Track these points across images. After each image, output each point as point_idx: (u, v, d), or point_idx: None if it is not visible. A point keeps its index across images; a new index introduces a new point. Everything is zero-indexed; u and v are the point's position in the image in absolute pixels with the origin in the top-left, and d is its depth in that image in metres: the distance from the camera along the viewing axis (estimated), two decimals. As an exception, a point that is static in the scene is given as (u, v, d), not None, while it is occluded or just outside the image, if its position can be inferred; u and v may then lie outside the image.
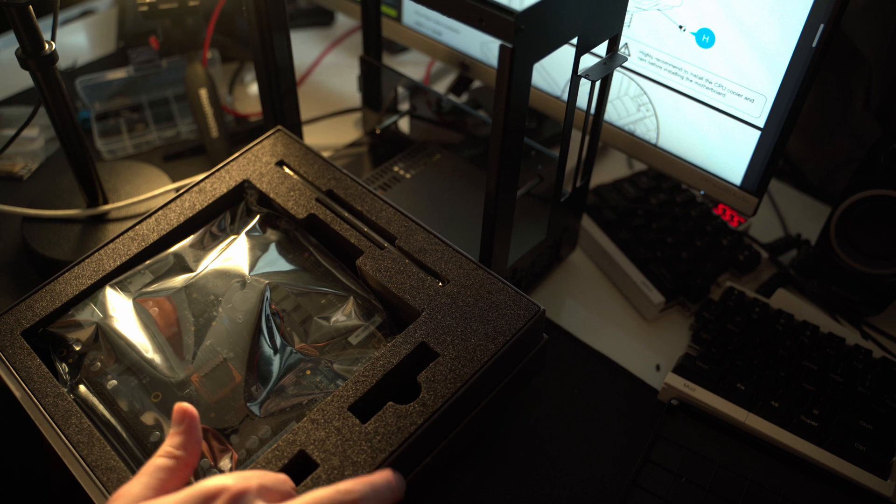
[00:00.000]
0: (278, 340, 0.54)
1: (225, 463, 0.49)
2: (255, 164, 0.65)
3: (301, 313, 0.56)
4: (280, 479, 0.41)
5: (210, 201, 0.63)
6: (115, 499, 0.38)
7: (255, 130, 0.89)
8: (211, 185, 0.64)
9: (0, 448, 0.58)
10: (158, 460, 0.40)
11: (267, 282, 0.57)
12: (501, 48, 0.47)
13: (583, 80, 0.56)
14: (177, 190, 0.78)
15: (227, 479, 0.38)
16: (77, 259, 0.59)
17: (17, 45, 0.61)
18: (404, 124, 0.85)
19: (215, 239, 0.61)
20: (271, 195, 0.63)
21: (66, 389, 0.51)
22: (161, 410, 0.51)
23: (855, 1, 0.67)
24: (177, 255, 0.60)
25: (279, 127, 0.68)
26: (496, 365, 0.53)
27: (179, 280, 0.58)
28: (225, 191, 0.63)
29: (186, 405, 0.43)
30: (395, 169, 0.76)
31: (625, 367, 0.68)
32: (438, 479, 0.57)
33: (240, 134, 0.88)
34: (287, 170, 0.65)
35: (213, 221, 0.63)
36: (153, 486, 0.39)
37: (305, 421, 0.49)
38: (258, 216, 0.63)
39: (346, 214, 0.62)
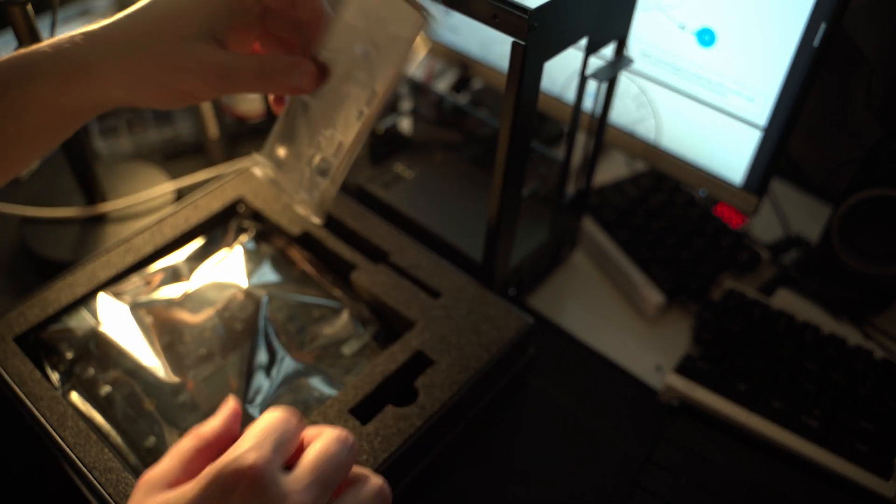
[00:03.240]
0: (275, 349, 0.54)
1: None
2: (250, 182, 0.66)
3: (296, 324, 0.57)
4: (286, 420, 0.37)
5: (205, 217, 0.63)
6: (138, 487, 0.37)
7: (255, 131, 0.89)
8: (206, 202, 0.64)
9: (4, 447, 0.58)
10: (184, 441, 0.38)
11: (265, 291, 0.57)
12: (514, 45, 0.47)
13: (588, 82, 0.56)
14: (177, 190, 0.78)
15: (245, 457, 0.34)
16: (72, 265, 0.59)
17: (16, 44, 0.61)
18: (405, 124, 0.85)
19: (209, 253, 0.62)
20: (266, 213, 0.64)
21: (59, 393, 0.51)
22: (156, 416, 0.51)
23: (856, 0, 0.67)
24: (171, 266, 0.60)
25: None
26: (489, 372, 0.54)
27: (175, 289, 0.58)
28: (219, 207, 0.64)
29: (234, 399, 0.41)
30: (396, 168, 0.76)
31: (625, 367, 0.67)
32: (438, 480, 0.57)
33: (240, 134, 0.88)
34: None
35: (207, 236, 0.63)
36: (174, 469, 0.37)
37: (307, 423, 0.49)
38: (253, 231, 0.63)
39: (340, 231, 0.63)
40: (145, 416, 0.51)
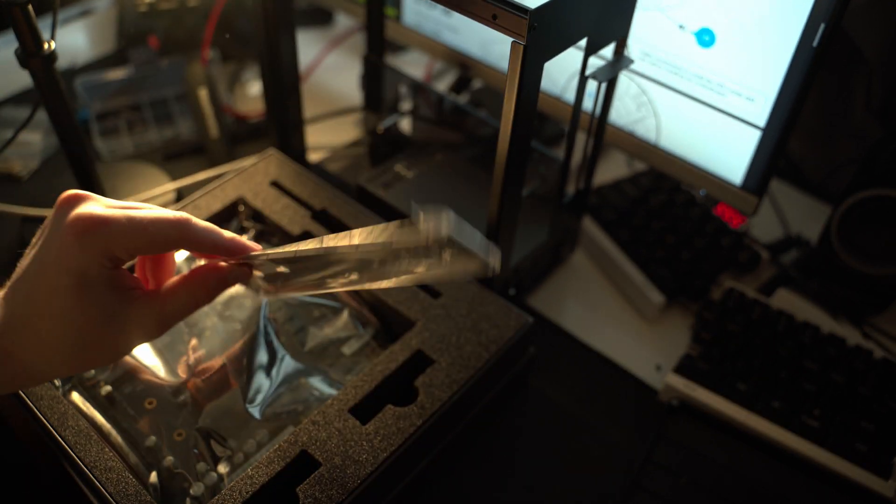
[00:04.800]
0: (275, 348, 0.54)
1: (223, 466, 0.49)
2: (249, 182, 0.66)
3: (296, 323, 0.57)
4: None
5: (205, 217, 0.63)
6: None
7: (255, 130, 0.89)
8: (206, 202, 0.64)
9: (5, 446, 0.58)
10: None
11: None
12: (514, 45, 0.47)
13: (588, 82, 0.56)
14: (177, 190, 0.78)
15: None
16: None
17: (17, 45, 0.61)
18: (405, 124, 0.85)
19: None
20: (266, 212, 0.64)
21: (60, 392, 0.51)
22: (156, 416, 0.51)
23: (855, 0, 0.67)
24: None
25: (271, 150, 0.70)
26: (489, 371, 0.54)
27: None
28: (220, 207, 0.64)
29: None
30: (396, 168, 0.76)
31: (625, 367, 0.67)
32: (438, 480, 0.57)
33: (240, 134, 0.88)
34: (281, 190, 0.66)
35: None
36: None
37: (307, 422, 0.49)
38: (253, 231, 0.63)
39: (340, 231, 0.62)
40: (145, 416, 0.51)
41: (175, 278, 0.42)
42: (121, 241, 0.39)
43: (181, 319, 0.42)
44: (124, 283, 0.40)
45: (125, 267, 0.41)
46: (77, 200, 0.41)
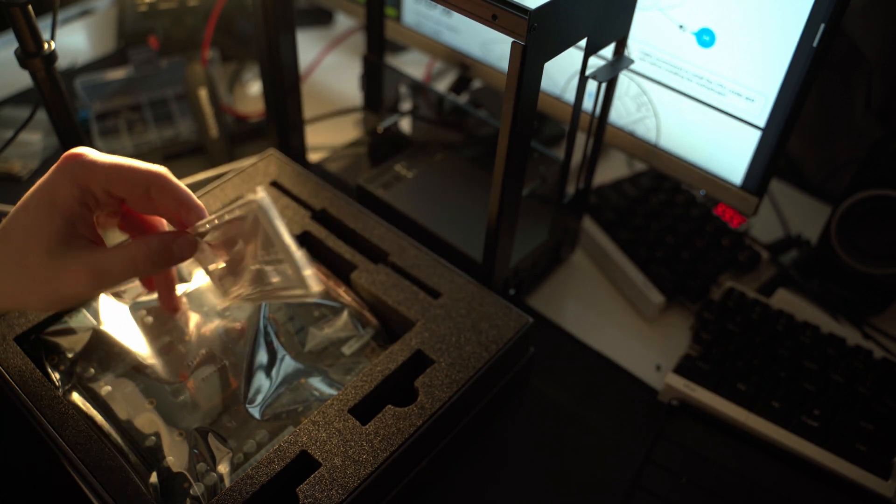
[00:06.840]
0: (275, 349, 0.54)
1: (223, 466, 0.49)
2: (249, 183, 0.66)
3: (296, 323, 0.57)
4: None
5: None
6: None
7: (255, 130, 0.89)
8: (206, 202, 0.64)
9: (5, 447, 0.58)
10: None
11: None
12: (513, 45, 0.47)
13: (588, 82, 0.56)
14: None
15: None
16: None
17: (17, 45, 0.61)
18: (405, 124, 0.85)
19: None
20: None
21: (60, 393, 0.51)
22: (156, 416, 0.51)
23: (855, 0, 0.67)
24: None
25: (271, 150, 0.70)
26: (489, 371, 0.54)
27: (176, 289, 0.58)
28: (220, 207, 0.64)
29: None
30: (396, 168, 0.76)
31: (625, 367, 0.67)
32: (438, 480, 0.57)
33: (240, 134, 0.88)
34: (281, 190, 0.66)
35: None
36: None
37: (307, 423, 0.49)
38: None
39: (340, 232, 0.63)
40: (145, 416, 0.51)
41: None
42: (100, 175, 0.44)
43: (118, 282, 0.45)
44: (84, 227, 0.44)
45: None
46: (77, 151, 0.45)
